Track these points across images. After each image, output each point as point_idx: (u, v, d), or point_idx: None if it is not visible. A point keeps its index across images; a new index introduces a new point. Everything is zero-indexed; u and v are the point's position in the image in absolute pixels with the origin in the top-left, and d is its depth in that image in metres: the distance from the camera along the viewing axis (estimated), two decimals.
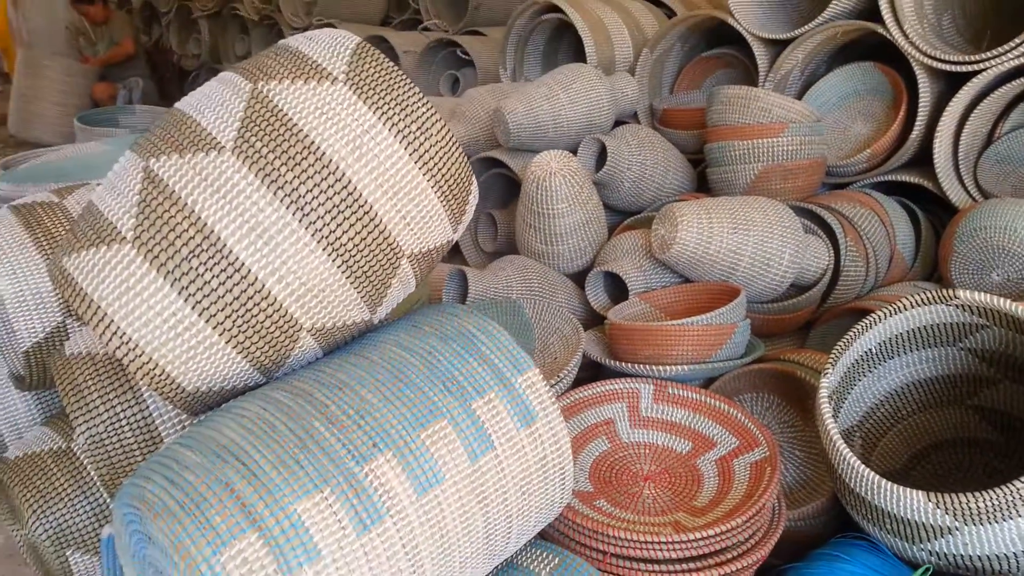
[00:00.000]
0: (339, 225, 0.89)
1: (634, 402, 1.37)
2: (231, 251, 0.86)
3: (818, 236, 1.68)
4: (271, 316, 0.88)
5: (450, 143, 0.96)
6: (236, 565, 0.75)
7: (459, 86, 3.31)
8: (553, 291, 1.71)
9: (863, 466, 1.04)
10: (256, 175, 0.87)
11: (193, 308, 0.86)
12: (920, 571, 1.02)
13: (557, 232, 1.74)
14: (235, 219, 0.86)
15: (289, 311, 0.89)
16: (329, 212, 0.88)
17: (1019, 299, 1.53)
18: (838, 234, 1.64)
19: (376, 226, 0.91)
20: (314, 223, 0.88)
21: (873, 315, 1.16)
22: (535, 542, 1.08)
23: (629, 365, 1.41)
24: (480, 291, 1.65)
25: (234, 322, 0.87)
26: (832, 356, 1.16)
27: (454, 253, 2.36)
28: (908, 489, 0.99)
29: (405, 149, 0.92)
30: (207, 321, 0.86)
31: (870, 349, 1.24)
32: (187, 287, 0.85)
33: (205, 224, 0.86)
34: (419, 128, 0.94)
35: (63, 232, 1.39)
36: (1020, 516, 0.95)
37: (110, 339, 0.87)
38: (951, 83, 1.79)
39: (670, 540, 1.03)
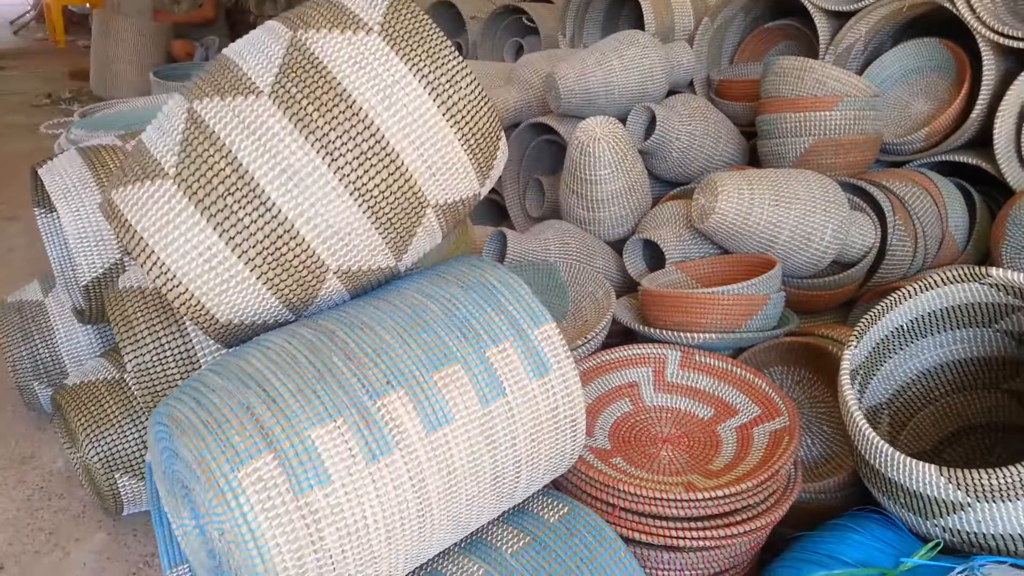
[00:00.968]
0: (366, 171, 0.92)
1: (660, 367, 1.38)
2: (263, 191, 0.90)
3: (866, 213, 1.64)
4: (299, 256, 0.93)
5: (479, 96, 0.99)
6: (251, 482, 0.80)
7: (523, 54, 3.31)
8: (591, 256, 1.72)
9: (877, 437, 1.03)
10: (290, 119, 0.91)
11: (227, 244, 0.91)
12: (929, 546, 1.01)
13: (599, 198, 1.75)
14: (268, 160, 0.90)
15: (316, 252, 0.94)
16: (357, 158, 0.92)
17: None
18: (887, 212, 1.61)
19: (402, 174, 0.94)
20: (342, 168, 0.92)
21: (902, 290, 1.14)
22: (547, 491, 1.12)
23: (658, 331, 1.42)
24: (519, 252, 1.67)
25: (264, 259, 0.92)
26: (857, 329, 1.14)
27: (502, 217, 2.39)
28: (920, 462, 0.99)
29: (434, 101, 0.95)
30: (239, 257, 0.92)
31: (901, 326, 1.22)
32: (222, 223, 0.90)
33: (240, 164, 0.91)
34: (448, 81, 0.96)
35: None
36: None
37: (150, 269, 0.93)
38: (1021, 61, 1.71)
39: (679, 498, 1.05)
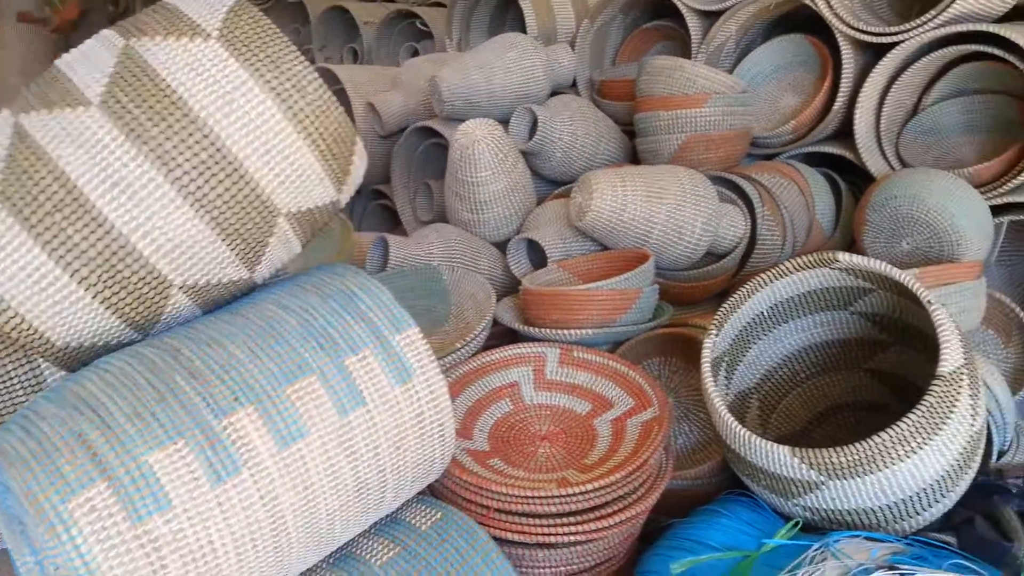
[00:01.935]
0: (207, 181, 0.89)
1: (540, 366, 1.39)
2: (94, 206, 0.86)
3: (736, 205, 1.70)
4: (138, 272, 0.89)
5: (327, 101, 0.97)
6: (84, 513, 0.76)
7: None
8: (476, 258, 1.72)
9: (735, 422, 1.07)
10: (121, 130, 0.87)
11: (57, 263, 0.86)
12: (788, 525, 1.05)
13: (481, 200, 1.75)
14: (99, 174, 0.86)
15: (157, 267, 0.90)
16: (196, 168, 0.89)
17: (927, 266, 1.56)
18: (755, 203, 1.66)
19: (247, 183, 0.92)
20: (180, 179, 0.88)
21: (757, 279, 1.18)
22: (421, 498, 1.11)
23: (538, 330, 1.43)
24: (402, 258, 1.66)
25: (99, 277, 0.88)
26: (715, 319, 1.18)
27: (396, 223, 2.37)
28: (774, 444, 1.02)
29: (279, 107, 0.93)
30: (71, 276, 0.87)
31: (761, 312, 1.26)
32: (50, 241, 0.86)
33: (69, 179, 0.86)
34: (294, 86, 0.94)
35: None
36: (881, 470, 0.98)
37: None
38: (878, 55, 1.80)
39: (550, 495, 1.06)
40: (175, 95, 0.89)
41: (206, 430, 0.83)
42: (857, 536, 1.02)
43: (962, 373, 1.00)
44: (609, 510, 1.08)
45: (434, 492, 1.16)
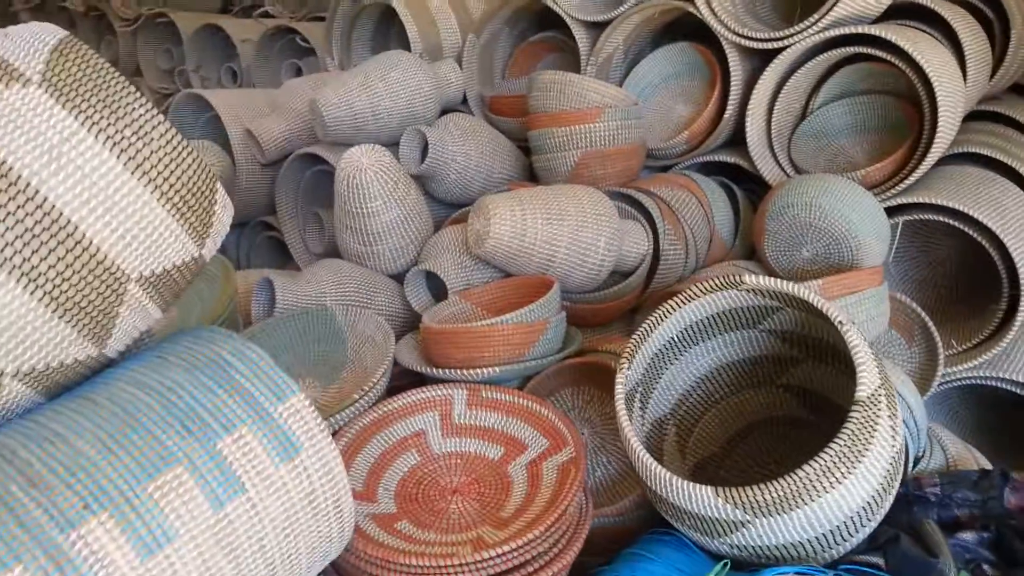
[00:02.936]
0: (34, 251, 0.76)
1: (447, 409, 1.30)
2: None
3: (638, 221, 1.65)
4: None
5: (178, 148, 0.85)
6: None
7: (303, 76, 3.15)
8: (372, 294, 1.62)
9: (655, 463, 1.01)
10: None
11: None
12: (718, 567, 0.99)
13: (374, 232, 1.64)
14: None
15: None
16: (20, 237, 0.75)
17: (828, 274, 1.56)
18: (656, 218, 1.63)
19: (84, 249, 0.79)
20: (2, 251, 0.75)
21: (665, 306, 1.13)
22: None
23: (441, 371, 1.33)
24: (290, 301, 1.53)
25: None
26: (626, 351, 1.12)
27: (287, 258, 2.23)
28: (696, 485, 0.96)
29: (118, 158, 0.80)
30: None
31: (672, 338, 1.21)
32: None
33: None
34: (135, 134, 0.82)
35: None
36: (808, 503, 0.94)
37: None
38: (765, 61, 1.80)
39: (463, 562, 0.97)
40: None
41: (50, 549, 0.70)
42: (788, 572, 0.98)
43: (880, 395, 0.97)
44: (530, 569, 1.00)
45: (337, 569, 1.05)
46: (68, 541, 0.71)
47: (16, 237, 0.75)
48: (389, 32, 2.51)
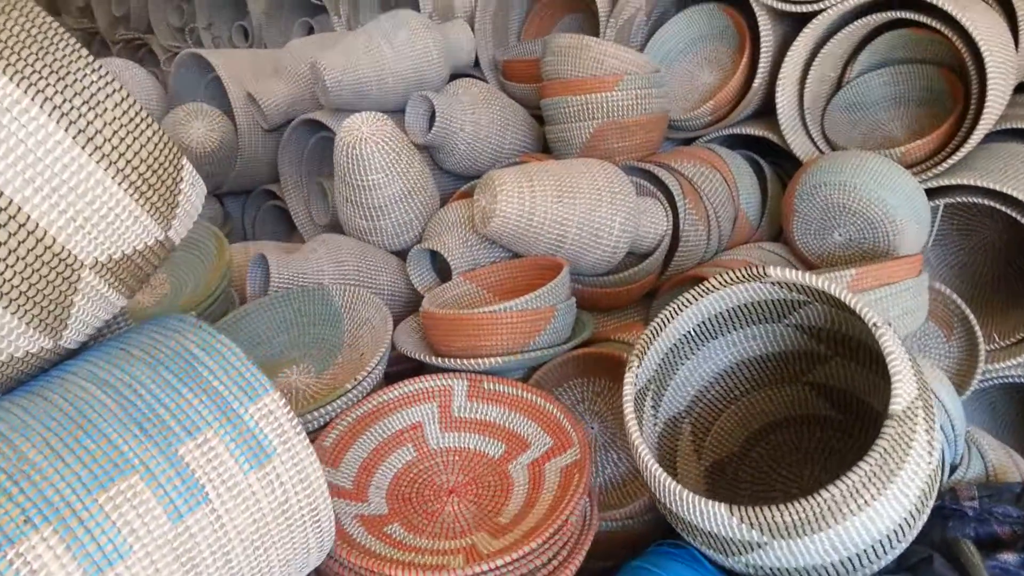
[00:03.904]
0: None
1: (446, 401, 1.22)
2: None
3: (657, 199, 1.54)
4: None
5: (136, 120, 0.76)
6: None
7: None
8: (374, 272, 1.53)
9: (665, 475, 0.92)
10: None
11: None
12: None
13: (376, 205, 1.55)
14: None
15: None
16: None
17: (862, 259, 1.45)
18: (676, 196, 1.52)
19: (30, 232, 0.70)
20: None
21: (680, 299, 1.03)
22: None
23: (440, 359, 1.25)
24: (286, 277, 1.45)
25: None
26: (637, 348, 1.03)
27: (293, 228, 2.14)
28: (710, 502, 0.87)
29: (67, 131, 0.71)
30: None
31: (688, 332, 1.11)
32: None
33: None
34: (86, 103, 0.73)
35: None
36: (832, 526, 0.85)
37: None
38: (798, 26, 1.66)
39: None
40: None
41: None
42: None
43: (916, 407, 0.87)
44: None
45: (320, 575, 0.98)
46: (5, 560, 0.64)
47: None
48: None
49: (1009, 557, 1.00)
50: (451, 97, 1.75)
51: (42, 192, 0.71)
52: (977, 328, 1.40)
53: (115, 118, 0.75)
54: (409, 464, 1.16)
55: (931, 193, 1.49)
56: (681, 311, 1.05)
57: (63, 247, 0.73)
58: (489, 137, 1.76)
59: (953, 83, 1.60)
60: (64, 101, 0.72)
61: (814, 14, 1.58)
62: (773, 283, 1.01)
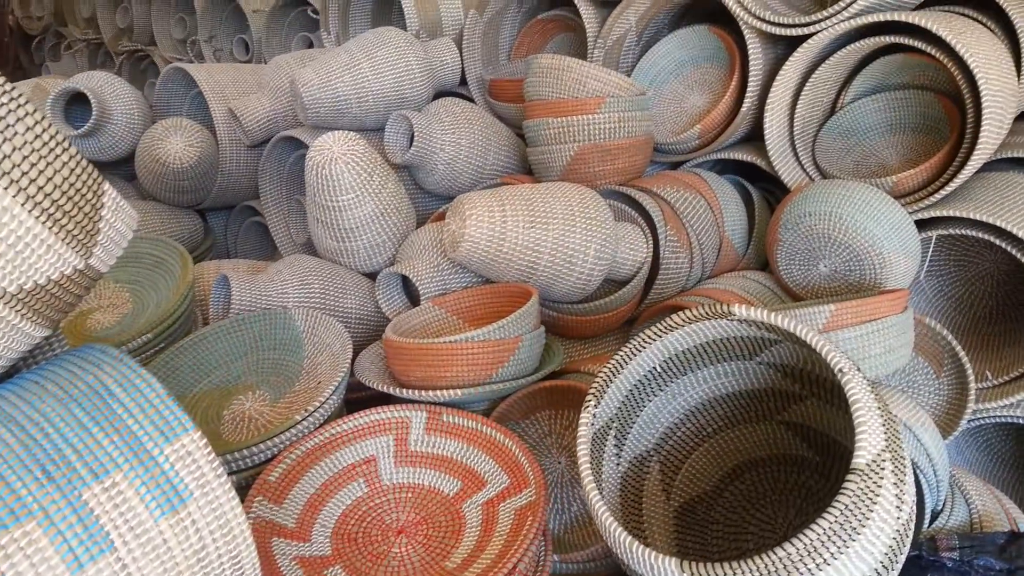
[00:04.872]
0: None
1: (403, 434, 1.17)
2: None
3: (637, 224, 1.49)
4: None
5: (50, 143, 0.72)
6: None
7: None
8: (341, 295, 1.48)
9: (616, 524, 0.86)
10: None
11: None
12: None
13: (346, 227, 1.51)
14: None
15: None
16: None
17: (848, 292, 1.39)
18: (657, 222, 1.46)
19: None
20: None
21: (641, 336, 0.98)
22: None
23: (401, 390, 1.20)
24: (248, 301, 1.41)
25: None
26: (594, 387, 0.97)
27: (274, 246, 2.10)
28: (660, 556, 0.82)
29: None
30: None
31: (653, 368, 1.06)
32: None
33: None
34: None
35: None
36: None
37: None
38: (791, 49, 1.61)
39: None
40: None
41: None
42: None
43: (883, 459, 0.81)
44: None
45: None
46: None
47: None
48: (392, 6, 2.35)
49: None
50: (431, 116, 1.71)
51: None
52: (968, 366, 1.33)
53: (26, 142, 0.71)
54: (359, 501, 1.11)
55: (924, 224, 1.43)
56: (643, 348, 0.99)
57: None
58: (470, 157, 1.72)
59: (951, 110, 1.54)
60: None
61: (806, 37, 1.52)
62: (740, 321, 0.96)
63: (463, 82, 2.04)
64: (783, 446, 1.20)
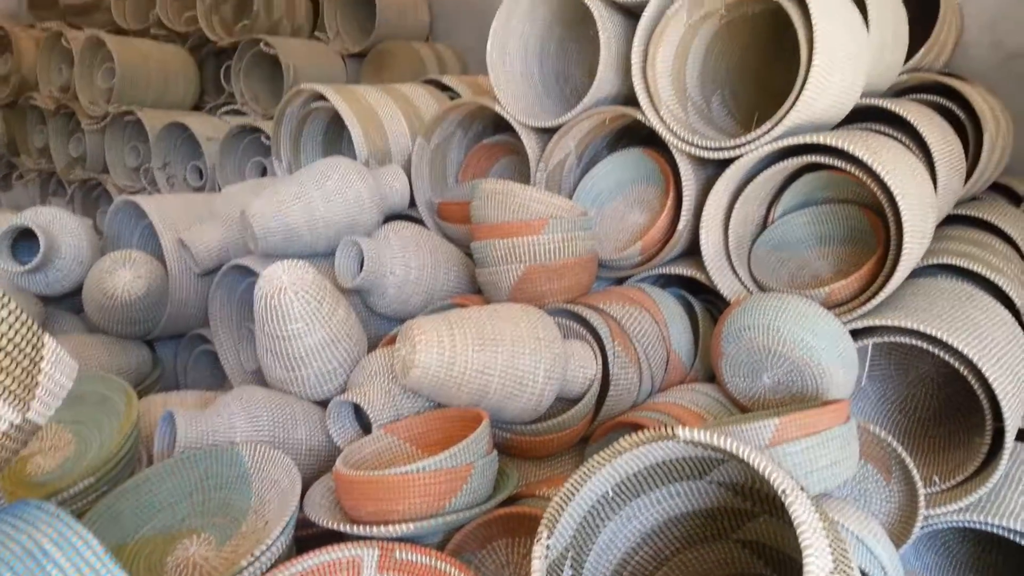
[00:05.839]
0: None
1: (354, 574, 1.13)
2: None
3: (586, 341, 1.52)
4: None
5: None
6: None
7: (268, 174, 3.08)
8: (291, 427, 1.46)
9: None
10: None
11: None
12: None
13: (296, 355, 1.50)
14: None
15: None
16: None
17: (791, 403, 1.41)
18: (605, 339, 1.49)
19: None
20: None
21: (588, 464, 0.98)
22: None
23: (351, 526, 1.17)
24: (194, 437, 1.37)
25: None
26: (547, 518, 0.96)
27: (223, 376, 2.07)
28: None
29: None
30: None
31: (605, 493, 1.06)
32: None
33: None
34: None
35: None
36: None
37: None
38: (721, 168, 1.70)
39: None
40: None
41: None
42: None
43: None
44: None
45: None
46: None
47: None
48: (341, 135, 2.43)
49: None
50: (381, 240, 1.74)
51: None
52: (915, 472, 1.35)
53: None
54: None
55: (860, 333, 1.48)
56: (592, 474, 0.99)
57: None
58: (420, 279, 1.75)
59: (875, 222, 1.63)
60: None
61: (734, 159, 1.61)
62: (685, 442, 0.97)
63: (412, 203, 2.09)
64: (741, 565, 1.19)
